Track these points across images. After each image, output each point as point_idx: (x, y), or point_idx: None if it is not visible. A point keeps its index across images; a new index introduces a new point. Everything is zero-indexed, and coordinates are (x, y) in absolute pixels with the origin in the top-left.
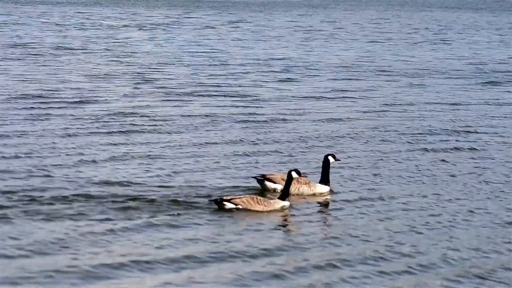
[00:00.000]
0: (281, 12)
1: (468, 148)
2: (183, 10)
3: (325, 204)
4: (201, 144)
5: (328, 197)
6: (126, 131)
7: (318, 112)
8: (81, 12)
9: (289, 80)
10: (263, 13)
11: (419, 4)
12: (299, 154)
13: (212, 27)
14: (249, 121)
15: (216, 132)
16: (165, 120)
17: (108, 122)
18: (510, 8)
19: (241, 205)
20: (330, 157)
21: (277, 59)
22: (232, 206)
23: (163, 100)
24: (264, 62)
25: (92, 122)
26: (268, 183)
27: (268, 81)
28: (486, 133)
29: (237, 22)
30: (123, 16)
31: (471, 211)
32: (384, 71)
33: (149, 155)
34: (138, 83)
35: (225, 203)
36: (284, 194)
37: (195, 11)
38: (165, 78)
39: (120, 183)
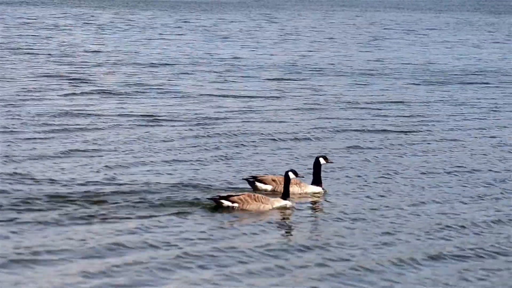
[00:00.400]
0: (231, 12)
1: (411, 146)
2: (131, 10)
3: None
4: (143, 142)
5: (321, 197)
6: (67, 129)
7: (262, 112)
8: (27, 12)
9: (233, 79)
10: (212, 13)
11: (369, 5)
12: (242, 152)
13: (160, 26)
14: (192, 120)
15: (159, 131)
16: (106, 119)
17: (49, 121)
18: (460, 8)
19: (238, 203)
20: (321, 159)
21: (223, 58)
22: (230, 204)
23: (105, 99)
24: (210, 62)
25: (34, 121)
26: (258, 184)
27: (212, 81)
28: (429, 131)
29: (185, 21)
30: (68, 16)
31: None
32: (330, 70)
33: (90, 154)
34: (81, 82)
35: (222, 201)
36: (285, 194)
37: (143, 11)
38: (109, 77)
39: (59, 181)
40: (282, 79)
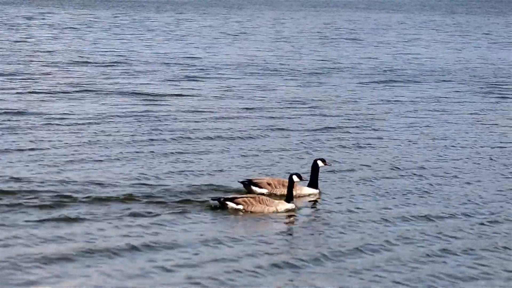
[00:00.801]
0: (191, 11)
1: (363, 144)
2: (89, 10)
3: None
4: (94, 141)
5: (316, 199)
6: (19, 127)
7: (217, 111)
8: None
9: (190, 78)
10: (173, 12)
11: (332, 5)
12: (192, 152)
13: (119, 26)
14: (144, 118)
15: (110, 129)
16: (58, 118)
17: (1, 120)
18: (422, 8)
19: (243, 205)
20: (319, 161)
21: (179, 58)
22: (234, 205)
23: (57, 98)
24: (168, 61)
25: None
26: (254, 188)
27: (168, 80)
28: (379, 129)
29: (145, 21)
30: (28, 15)
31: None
32: (288, 70)
33: (40, 153)
34: (36, 82)
35: (227, 202)
36: (289, 197)
37: (101, 11)
38: (64, 76)
39: (11, 179)
40: (241, 78)
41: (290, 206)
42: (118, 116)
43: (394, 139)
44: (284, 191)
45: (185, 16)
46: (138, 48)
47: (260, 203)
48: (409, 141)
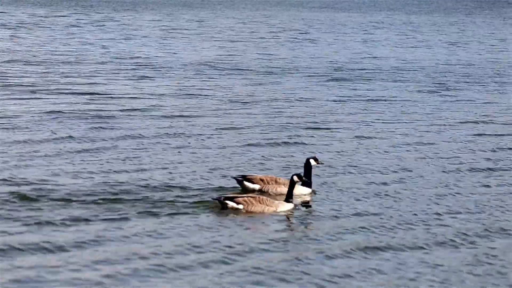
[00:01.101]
0: (150, 11)
1: (316, 143)
2: (49, 9)
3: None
4: (46, 140)
5: (309, 198)
6: None
7: (171, 110)
8: None
9: (145, 78)
10: (130, 12)
11: (291, 4)
12: (146, 150)
13: (77, 26)
14: (96, 117)
15: (62, 129)
16: (11, 117)
17: None
18: (381, 8)
19: (243, 205)
20: (311, 160)
21: (137, 57)
22: (234, 205)
23: (11, 97)
24: (124, 61)
25: None
26: (247, 183)
27: (123, 79)
28: (332, 128)
29: (103, 21)
30: None
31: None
32: (244, 69)
33: None
34: None
35: (227, 202)
36: (289, 196)
37: (61, 10)
38: (18, 75)
39: None
40: (196, 78)
41: (289, 206)
42: (71, 115)
43: (346, 137)
44: (277, 187)
45: (142, 15)
46: (94, 47)
47: (260, 203)
48: (361, 139)
